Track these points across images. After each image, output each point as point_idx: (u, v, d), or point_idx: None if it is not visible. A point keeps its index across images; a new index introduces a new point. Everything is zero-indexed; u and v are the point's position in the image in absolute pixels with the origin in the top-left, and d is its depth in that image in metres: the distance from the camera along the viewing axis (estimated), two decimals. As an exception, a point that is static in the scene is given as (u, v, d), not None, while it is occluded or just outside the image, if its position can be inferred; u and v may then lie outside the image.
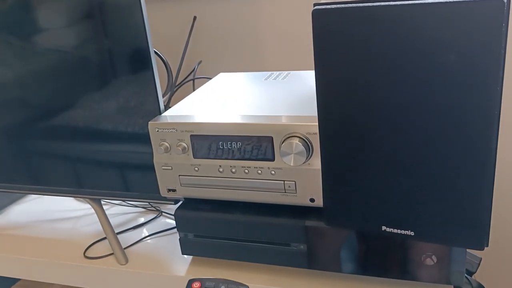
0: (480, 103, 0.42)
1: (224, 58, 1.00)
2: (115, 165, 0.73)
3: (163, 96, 0.85)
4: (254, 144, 0.59)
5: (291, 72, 0.80)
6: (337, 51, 0.47)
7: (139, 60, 0.64)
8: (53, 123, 0.73)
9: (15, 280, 1.30)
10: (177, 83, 0.93)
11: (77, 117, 0.71)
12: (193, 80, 0.94)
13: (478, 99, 0.42)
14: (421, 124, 0.45)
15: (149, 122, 0.63)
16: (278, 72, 0.81)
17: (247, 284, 0.66)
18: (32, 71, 0.71)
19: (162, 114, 0.66)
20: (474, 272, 0.69)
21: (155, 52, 0.80)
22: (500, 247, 0.99)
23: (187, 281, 0.67)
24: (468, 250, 0.66)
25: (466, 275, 0.66)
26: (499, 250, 1.00)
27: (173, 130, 0.62)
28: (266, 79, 0.78)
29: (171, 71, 0.87)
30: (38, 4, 0.67)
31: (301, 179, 0.58)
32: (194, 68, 0.96)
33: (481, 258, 0.68)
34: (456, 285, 0.61)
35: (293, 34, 0.94)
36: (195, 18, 0.99)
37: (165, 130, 0.62)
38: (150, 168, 0.66)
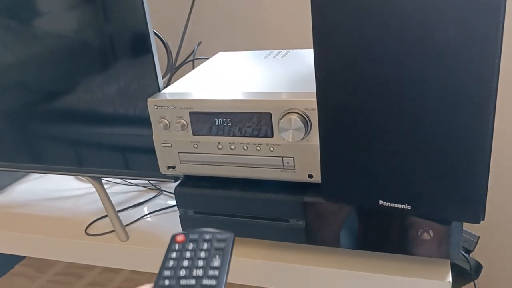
0: (477, 75, 0.42)
1: (224, 38, 1.00)
2: (116, 145, 0.73)
3: (163, 77, 0.85)
4: (253, 120, 0.59)
5: (291, 50, 0.80)
6: (335, 27, 0.46)
7: (139, 42, 0.64)
8: (55, 105, 0.73)
9: (18, 258, 1.31)
10: (177, 64, 0.93)
11: (78, 100, 0.71)
12: (193, 61, 0.94)
13: (476, 72, 0.42)
14: (419, 98, 0.45)
15: (148, 99, 0.63)
16: (277, 51, 0.80)
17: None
18: (32, 55, 0.71)
19: (161, 92, 0.66)
20: (472, 250, 0.69)
21: (155, 33, 0.79)
22: (498, 225, 1.00)
23: None
24: (466, 229, 0.66)
25: (463, 253, 0.67)
26: (497, 229, 1.00)
27: (172, 107, 0.62)
28: (265, 57, 0.78)
29: (171, 52, 0.86)
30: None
31: (299, 155, 0.59)
32: (194, 49, 0.96)
33: (479, 237, 0.69)
34: (453, 259, 0.61)
35: (293, 11, 0.93)
36: (194, -2, 0.98)
37: (164, 107, 0.62)
38: (151, 149, 0.66)
